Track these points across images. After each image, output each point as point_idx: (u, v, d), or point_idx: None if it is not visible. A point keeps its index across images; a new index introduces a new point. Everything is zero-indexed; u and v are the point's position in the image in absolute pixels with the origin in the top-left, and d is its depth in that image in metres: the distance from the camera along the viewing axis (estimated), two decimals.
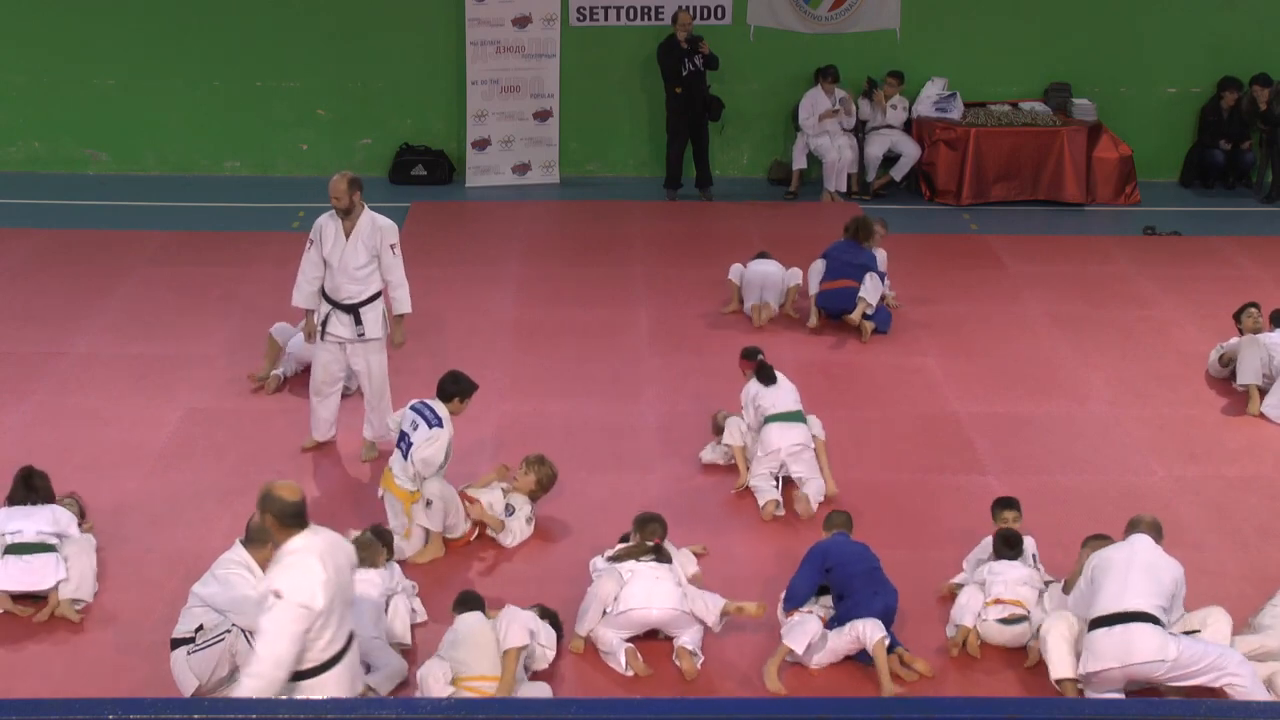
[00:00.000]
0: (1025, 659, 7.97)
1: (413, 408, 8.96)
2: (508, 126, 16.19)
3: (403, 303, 9.84)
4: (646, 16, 16.22)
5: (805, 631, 7.74)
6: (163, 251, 13.98)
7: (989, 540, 8.44)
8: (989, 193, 15.92)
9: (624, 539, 8.36)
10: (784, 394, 9.67)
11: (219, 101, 16.34)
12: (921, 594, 8.52)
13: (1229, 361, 11.25)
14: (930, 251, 14.27)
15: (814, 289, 12.28)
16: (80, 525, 8.67)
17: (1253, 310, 11.37)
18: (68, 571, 8.24)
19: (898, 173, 16.16)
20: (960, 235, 14.91)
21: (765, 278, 12.46)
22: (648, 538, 8.19)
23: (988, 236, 14.80)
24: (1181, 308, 12.72)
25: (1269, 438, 10.60)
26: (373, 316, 9.74)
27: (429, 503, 8.73)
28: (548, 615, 7.89)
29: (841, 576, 7.96)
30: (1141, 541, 7.66)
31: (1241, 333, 11.33)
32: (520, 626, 7.45)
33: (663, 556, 8.13)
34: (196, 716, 4.18)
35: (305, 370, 10.67)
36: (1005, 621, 7.99)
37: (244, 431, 10.42)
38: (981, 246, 14.51)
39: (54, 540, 8.34)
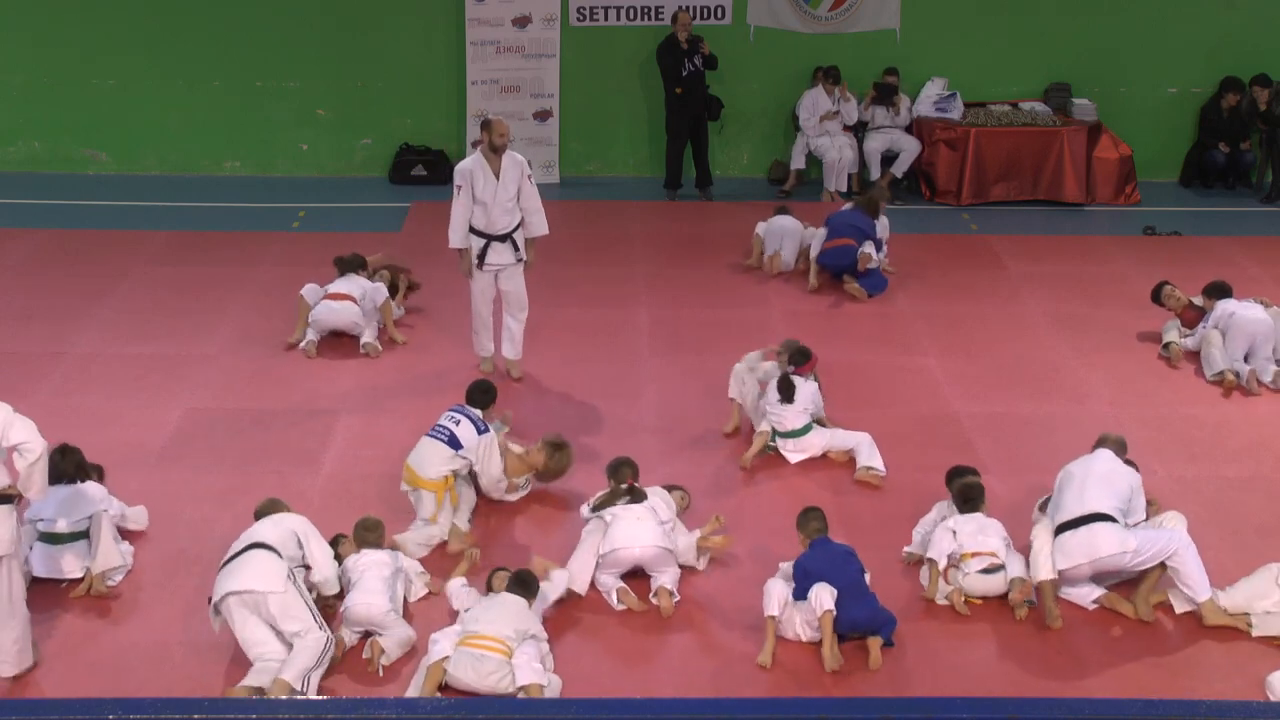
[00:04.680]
0: (1013, 615, 8.32)
1: (453, 409, 9.28)
2: None
3: (540, 226, 10.91)
4: (646, 16, 16.22)
5: (774, 594, 8.00)
6: (163, 251, 13.98)
7: (940, 505, 8.94)
8: (989, 193, 15.92)
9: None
10: (795, 414, 10.04)
11: (219, 101, 16.33)
12: (918, 593, 8.57)
13: (1175, 355, 11.74)
14: (930, 251, 14.27)
15: (815, 251, 13.20)
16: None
17: (1167, 288, 12.05)
18: (92, 551, 8.38)
19: (899, 169, 16.13)
20: (960, 235, 14.92)
21: (784, 230, 13.60)
22: (620, 481, 8.77)
23: (988, 236, 14.80)
24: None
25: (1269, 438, 10.60)
26: (521, 242, 10.92)
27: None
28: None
29: None
30: (1102, 454, 8.61)
31: (1170, 311, 11.97)
32: (531, 670, 7.52)
33: (637, 496, 8.67)
34: (196, 717, 4.17)
35: (331, 334, 11.71)
36: (987, 571, 8.40)
37: (244, 431, 10.42)
38: (981, 246, 14.51)
39: (86, 525, 8.46)
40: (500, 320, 11.27)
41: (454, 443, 9.05)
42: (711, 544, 8.62)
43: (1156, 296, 12.10)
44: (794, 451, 10.02)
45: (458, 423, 9.14)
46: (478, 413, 9.29)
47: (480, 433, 9.14)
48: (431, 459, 9.00)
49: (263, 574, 7.62)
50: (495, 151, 10.66)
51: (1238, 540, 9.21)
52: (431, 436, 9.13)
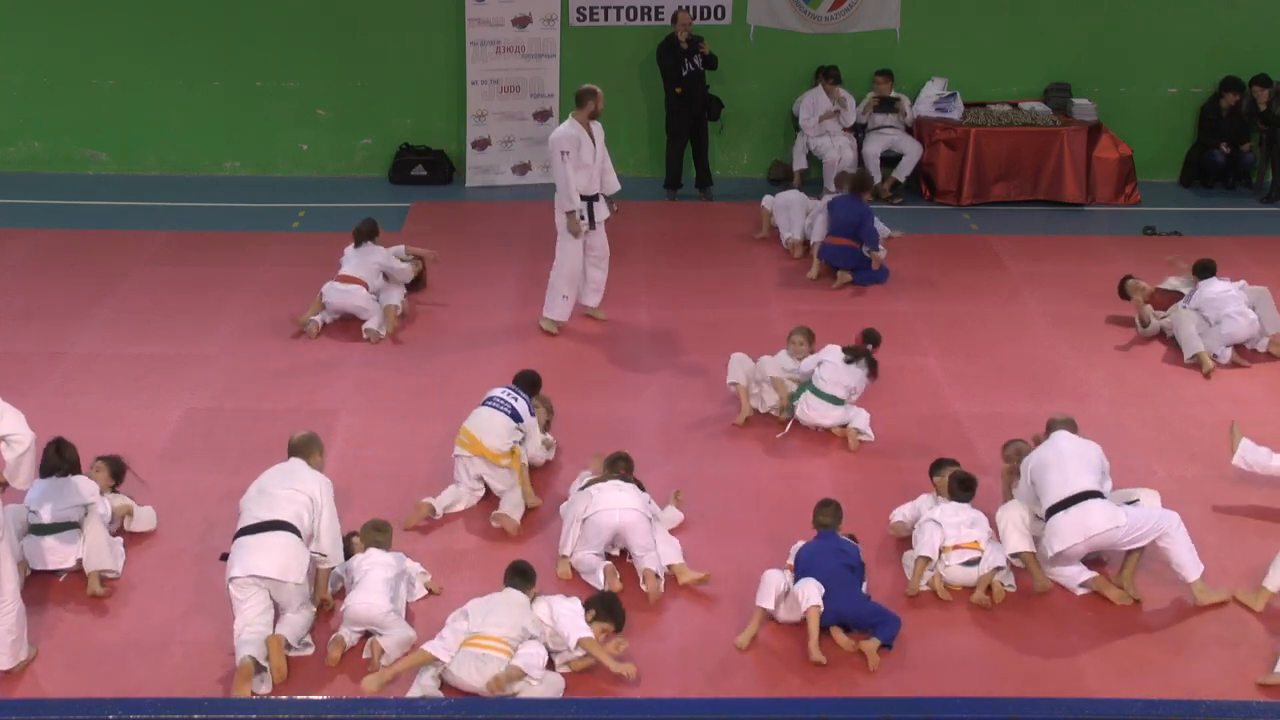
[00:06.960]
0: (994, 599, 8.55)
1: (508, 387, 9.67)
2: (508, 126, 16.19)
3: (616, 183, 12.14)
4: (646, 16, 16.22)
5: (770, 585, 8.14)
6: (163, 251, 13.98)
7: (925, 498, 9.10)
8: (989, 193, 15.91)
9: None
10: (844, 383, 10.41)
11: (219, 101, 16.33)
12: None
13: (1146, 322, 12.10)
14: (930, 251, 14.27)
15: (816, 237, 13.53)
16: (116, 488, 9.00)
17: (1131, 280, 12.28)
18: (84, 545, 8.42)
19: (901, 173, 16.11)
20: (960, 235, 14.92)
21: (789, 202, 14.23)
22: (615, 472, 8.96)
23: (988, 236, 14.80)
24: None
25: (1269, 438, 10.56)
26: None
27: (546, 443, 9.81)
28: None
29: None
30: (1062, 435, 8.82)
31: (1136, 307, 12.18)
32: (578, 619, 7.77)
33: (628, 480, 8.84)
34: (196, 717, 4.17)
35: (341, 318, 12.01)
36: (968, 564, 8.61)
37: (244, 431, 10.42)
38: (981, 246, 14.51)
39: (76, 516, 8.49)
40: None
41: (515, 416, 9.45)
42: (690, 579, 8.62)
43: (1122, 291, 12.33)
44: (812, 411, 10.29)
45: (516, 399, 9.54)
46: (527, 396, 9.64)
47: (530, 414, 9.56)
48: (495, 428, 9.30)
49: (289, 566, 7.81)
50: (591, 119, 11.71)
51: (1238, 540, 9.22)
52: (492, 408, 9.42)
